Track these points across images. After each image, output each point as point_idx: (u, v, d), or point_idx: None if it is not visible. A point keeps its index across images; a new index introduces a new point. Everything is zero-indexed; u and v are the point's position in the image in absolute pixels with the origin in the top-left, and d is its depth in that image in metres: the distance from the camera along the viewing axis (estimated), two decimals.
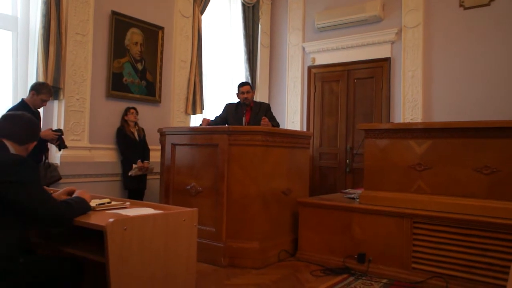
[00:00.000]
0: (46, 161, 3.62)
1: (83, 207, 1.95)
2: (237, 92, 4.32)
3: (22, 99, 3.41)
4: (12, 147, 1.81)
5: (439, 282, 2.89)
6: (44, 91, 3.38)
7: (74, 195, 2.03)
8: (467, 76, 4.93)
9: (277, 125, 4.25)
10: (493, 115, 4.53)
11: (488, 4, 4.83)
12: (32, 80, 3.74)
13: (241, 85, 4.33)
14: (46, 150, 3.61)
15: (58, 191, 2.14)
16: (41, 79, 3.73)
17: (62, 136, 3.49)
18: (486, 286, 2.73)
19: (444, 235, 2.94)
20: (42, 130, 3.33)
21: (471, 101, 4.86)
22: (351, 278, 3.08)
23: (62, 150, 3.57)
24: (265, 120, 3.89)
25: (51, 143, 3.49)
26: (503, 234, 2.72)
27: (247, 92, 4.22)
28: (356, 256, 3.28)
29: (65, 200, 1.93)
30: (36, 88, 3.36)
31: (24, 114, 1.97)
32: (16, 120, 1.88)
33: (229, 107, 4.33)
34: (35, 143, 1.95)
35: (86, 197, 2.03)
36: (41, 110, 3.76)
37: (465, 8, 4.98)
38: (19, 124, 1.87)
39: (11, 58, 3.81)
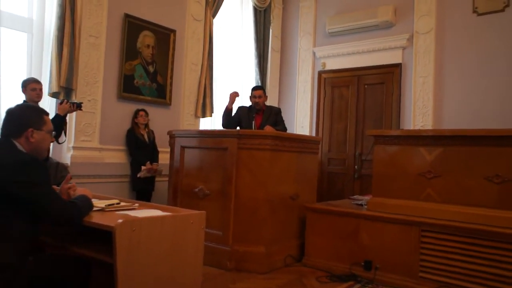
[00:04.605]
0: (49, 157, 3.65)
1: (88, 206, 1.96)
2: (250, 95, 4.34)
3: (24, 101, 3.38)
4: (17, 143, 1.79)
5: None
6: (27, 82, 3.41)
7: (77, 194, 2.05)
8: (479, 83, 4.87)
9: (285, 129, 4.25)
10: (505, 123, 4.46)
11: (502, 10, 4.76)
12: (45, 81, 3.81)
13: (254, 88, 4.35)
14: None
15: (58, 189, 2.10)
16: (54, 80, 3.81)
17: (73, 103, 3.59)
18: None
19: (453, 244, 2.90)
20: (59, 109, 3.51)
21: (482, 108, 4.80)
22: (357, 286, 3.06)
23: (82, 108, 3.68)
24: (268, 128, 3.90)
25: (71, 112, 3.60)
26: None
27: (259, 96, 4.24)
28: (362, 263, 3.26)
29: (73, 200, 1.94)
30: (22, 85, 3.40)
31: (16, 106, 1.92)
32: (6, 116, 1.85)
33: (241, 110, 4.34)
34: (31, 129, 1.79)
35: (88, 193, 2.05)
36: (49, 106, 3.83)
37: (479, 14, 4.92)
38: (7, 119, 1.84)
39: (25, 59, 3.87)
